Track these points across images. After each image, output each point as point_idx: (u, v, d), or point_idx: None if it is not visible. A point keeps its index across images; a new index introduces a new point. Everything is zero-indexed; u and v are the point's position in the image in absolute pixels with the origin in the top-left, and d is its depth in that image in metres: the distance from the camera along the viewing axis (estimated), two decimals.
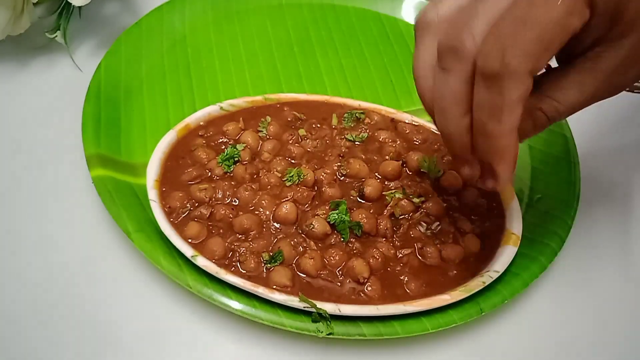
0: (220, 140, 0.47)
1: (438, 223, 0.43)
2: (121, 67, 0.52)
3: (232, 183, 0.44)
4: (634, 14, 0.28)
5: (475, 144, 0.31)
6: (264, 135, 0.47)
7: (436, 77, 0.30)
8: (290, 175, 0.44)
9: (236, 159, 0.45)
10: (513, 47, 0.27)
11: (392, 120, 0.50)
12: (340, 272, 0.40)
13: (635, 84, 0.37)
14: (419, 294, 0.40)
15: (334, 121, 0.49)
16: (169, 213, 0.42)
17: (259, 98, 0.50)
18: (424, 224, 0.43)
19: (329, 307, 0.38)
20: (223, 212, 0.42)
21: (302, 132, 0.48)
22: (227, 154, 0.45)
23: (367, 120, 0.49)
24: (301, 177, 0.44)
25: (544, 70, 0.31)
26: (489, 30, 0.28)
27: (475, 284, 0.40)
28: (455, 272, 0.41)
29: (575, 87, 0.31)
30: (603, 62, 0.30)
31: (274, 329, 0.38)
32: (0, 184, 0.46)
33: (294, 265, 0.40)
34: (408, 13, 0.61)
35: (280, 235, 0.41)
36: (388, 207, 0.43)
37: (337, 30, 0.59)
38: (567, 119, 0.52)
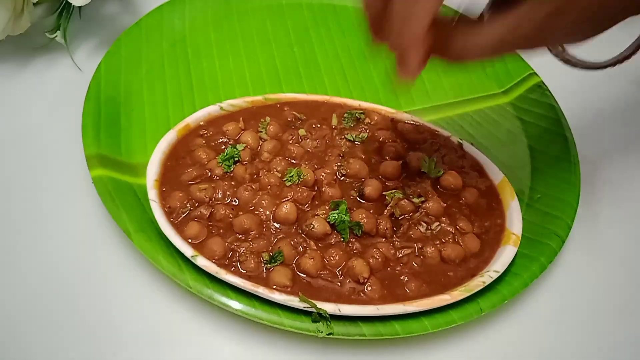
0: (220, 140, 0.47)
1: (438, 223, 0.43)
2: (121, 67, 0.52)
3: (232, 183, 0.44)
4: None
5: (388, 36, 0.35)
6: (264, 135, 0.47)
7: None
8: (290, 175, 0.44)
9: (236, 159, 0.45)
10: None
11: (392, 120, 0.50)
12: (340, 272, 0.40)
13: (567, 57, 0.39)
14: (419, 294, 0.40)
15: (334, 121, 0.49)
16: (169, 213, 0.42)
17: (259, 98, 0.50)
18: (424, 224, 0.43)
19: (329, 307, 0.38)
20: (223, 212, 0.42)
21: (302, 132, 0.47)
22: (227, 154, 0.45)
23: (367, 120, 0.49)
24: (301, 177, 0.44)
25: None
26: None
27: (475, 284, 0.40)
28: (455, 272, 0.41)
29: (497, 29, 0.33)
30: (524, 16, 0.32)
31: (274, 329, 0.38)
32: (0, 184, 0.46)
33: (294, 265, 0.40)
34: None
35: (280, 235, 0.41)
36: (388, 207, 0.43)
37: (337, 30, 0.59)
38: (567, 118, 0.52)
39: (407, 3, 0.32)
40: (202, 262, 0.39)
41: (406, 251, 0.42)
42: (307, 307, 0.38)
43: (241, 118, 0.48)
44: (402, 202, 0.43)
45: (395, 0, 0.33)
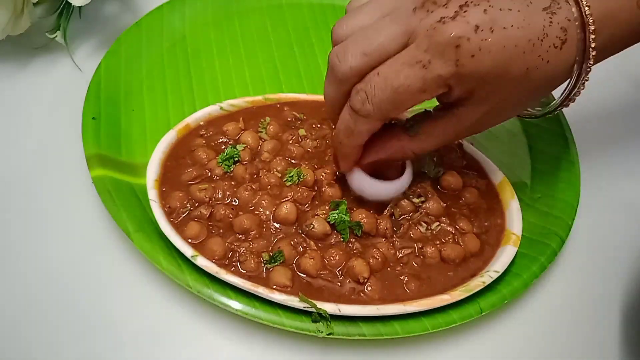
0: (220, 140, 0.47)
1: (438, 223, 0.43)
2: (121, 67, 0.52)
3: (232, 183, 0.44)
4: (485, 94, 0.37)
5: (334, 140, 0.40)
6: (264, 135, 0.47)
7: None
8: (290, 175, 0.44)
9: (236, 159, 0.45)
10: (373, 99, 0.36)
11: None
12: (340, 272, 0.40)
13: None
14: (419, 294, 0.40)
15: None
16: (169, 213, 0.42)
17: (259, 98, 0.50)
18: (424, 224, 0.43)
19: (329, 307, 0.38)
20: (223, 212, 0.42)
21: (302, 132, 0.47)
22: (227, 154, 0.45)
23: None
24: (301, 177, 0.44)
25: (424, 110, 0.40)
26: (365, 70, 0.36)
27: (475, 284, 0.40)
28: (455, 272, 0.41)
29: (440, 134, 0.40)
30: (464, 118, 0.39)
31: (274, 329, 0.38)
32: (0, 184, 0.46)
33: (294, 265, 0.40)
34: None
35: (280, 235, 0.41)
36: (388, 207, 0.43)
37: None
38: (567, 118, 0.52)
39: (348, 122, 0.38)
40: (202, 262, 0.39)
41: (406, 251, 0.42)
42: (307, 307, 0.38)
43: (241, 118, 0.48)
44: (402, 202, 0.43)
45: (343, 115, 0.39)
